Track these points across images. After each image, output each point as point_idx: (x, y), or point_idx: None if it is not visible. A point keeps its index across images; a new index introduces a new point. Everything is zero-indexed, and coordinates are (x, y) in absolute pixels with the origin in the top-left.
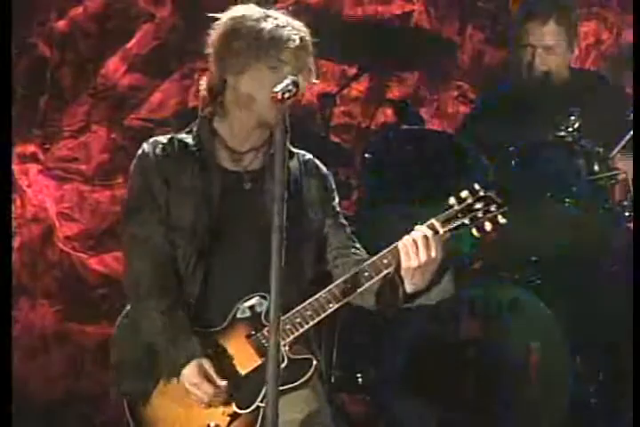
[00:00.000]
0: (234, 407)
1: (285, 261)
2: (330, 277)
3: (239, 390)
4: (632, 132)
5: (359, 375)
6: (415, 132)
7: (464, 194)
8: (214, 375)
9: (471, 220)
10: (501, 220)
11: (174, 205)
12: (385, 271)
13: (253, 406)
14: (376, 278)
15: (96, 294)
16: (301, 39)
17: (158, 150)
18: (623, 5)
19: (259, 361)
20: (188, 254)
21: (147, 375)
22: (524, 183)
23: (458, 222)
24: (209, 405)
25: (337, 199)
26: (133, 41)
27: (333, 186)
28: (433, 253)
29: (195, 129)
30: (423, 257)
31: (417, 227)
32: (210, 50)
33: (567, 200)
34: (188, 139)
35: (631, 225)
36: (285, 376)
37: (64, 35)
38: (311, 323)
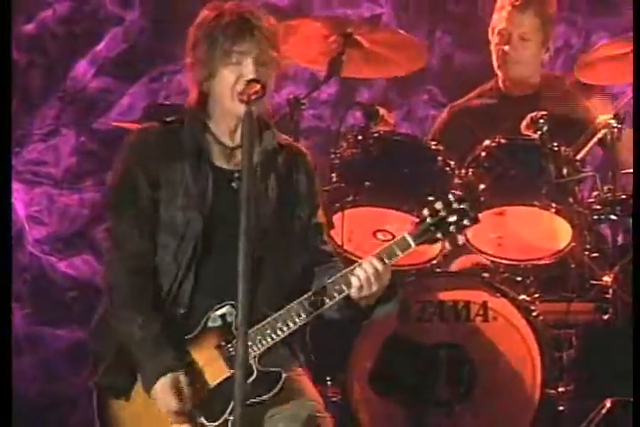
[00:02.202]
0: (203, 420)
1: (273, 262)
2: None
3: (208, 402)
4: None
5: (328, 378)
6: (384, 135)
7: (438, 206)
8: (185, 391)
9: (444, 234)
10: (467, 225)
11: (164, 204)
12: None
13: (221, 420)
14: (345, 293)
15: (66, 297)
16: (259, 28)
17: (148, 143)
18: (592, 9)
19: (228, 373)
20: (178, 256)
21: (127, 372)
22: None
23: (431, 236)
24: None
25: (318, 197)
26: (102, 44)
27: (317, 183)
28: (384, 283)
29: (186, 123)
30: (375, 287)
31: (369, 258)
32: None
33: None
34: (181, 133)
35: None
36: (254, 390)
37: (33, 38)
38: (281, 335)
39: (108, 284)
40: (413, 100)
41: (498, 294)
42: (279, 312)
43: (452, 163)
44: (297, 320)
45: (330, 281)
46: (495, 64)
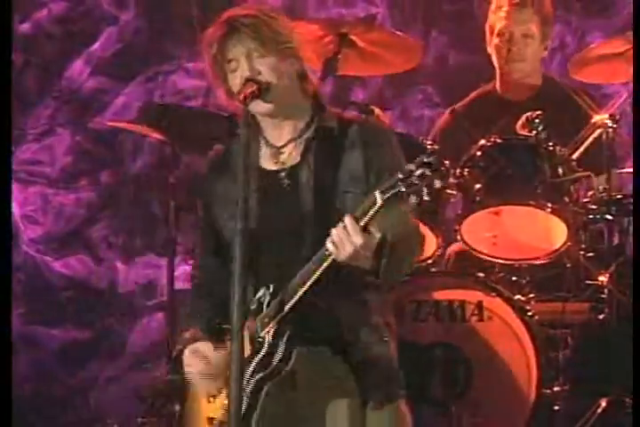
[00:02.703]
0: (225, 399)
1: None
2: None
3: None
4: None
5: None
6: None
7: (408, 166)
8: (209, 356)
9: (408, 186)
10: (437, 184)
11: (219, 221)
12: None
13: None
14: (318, 272)
15: (61, 297)
16: (244, 27)
17: (209, 165)
18: (587, 9)
19: (249, 352)
20: (239, 264)
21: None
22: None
23: (395, 190)
24: (207, 395)
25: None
26: (97, 44)
27: (388, 159)
28: (357, 240)
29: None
30: (349, 248)
31: (345, 218)
32: None
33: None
34: (236, 144)
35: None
36: (265, 364)
37: (28, 37)
38: (286, 307)
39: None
40: (408, 99)
41: (493, 294)
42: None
43: (447, 162)
44: (298, 290)
45: (323, 249)
46: (496, 64)
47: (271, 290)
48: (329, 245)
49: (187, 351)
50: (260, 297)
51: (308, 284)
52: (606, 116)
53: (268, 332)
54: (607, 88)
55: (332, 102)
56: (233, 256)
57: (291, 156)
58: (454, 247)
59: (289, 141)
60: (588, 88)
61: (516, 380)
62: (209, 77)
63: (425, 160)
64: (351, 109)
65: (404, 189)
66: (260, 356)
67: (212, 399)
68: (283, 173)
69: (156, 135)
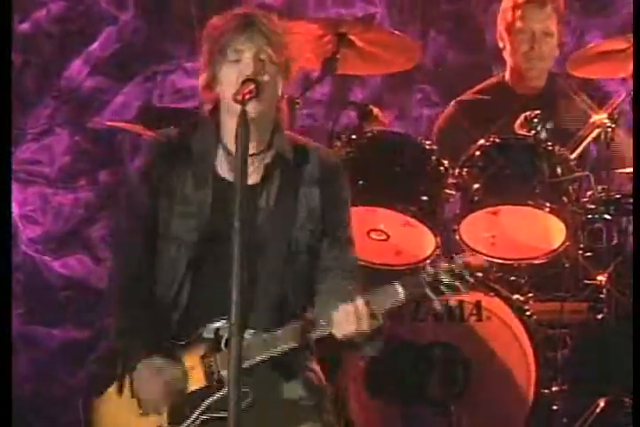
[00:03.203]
0: (164, 421)
1: (268, 275)
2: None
3: (177, 405)
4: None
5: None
6: (378, 134)
7: (444, 266)
8: (166, 376)
9: (433, 289)
10: (463, 293)
11: (162, 212)
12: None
13: (182, 426)
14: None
15: (60, 297)
16: (257, 24)
17: (157, 149)
18: (586, 8)
19: (203, 384)
20: (176, 264)
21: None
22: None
23: (420, 290)
24: (145, 409)
25: (345, 210)
26: (96, 44)
27: (340, 194)
28: (364, 327)
29: (198, 130)
30: (352, 329)
31: (357, 302)
32: None
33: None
34: (192, 138)
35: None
36: (219, 405)
37: (27, 37)
38: (258, 359)
39: (109, 286)
40: (407, 99)
41: (492, 294)
42: (268, 334)
43: (446, 162)
44: (283, 346)
45: (314, 314)
46: (511, 61)
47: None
48: (335, 318)
49: (141, 365)
50: (219, 328)
51: (287, 347)
52: (605, 115)
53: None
54: (606, 88)
55: (330, 102)
56: (173, 256)
57: (250, 174)
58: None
59: (251, 155)
60: (586, 88)
61: (515, 380)
62: (202, 60)
63: (456, 271)
64: (350, 109)
65: (429, 293)
66: (217, 396)
67: (144, 414)
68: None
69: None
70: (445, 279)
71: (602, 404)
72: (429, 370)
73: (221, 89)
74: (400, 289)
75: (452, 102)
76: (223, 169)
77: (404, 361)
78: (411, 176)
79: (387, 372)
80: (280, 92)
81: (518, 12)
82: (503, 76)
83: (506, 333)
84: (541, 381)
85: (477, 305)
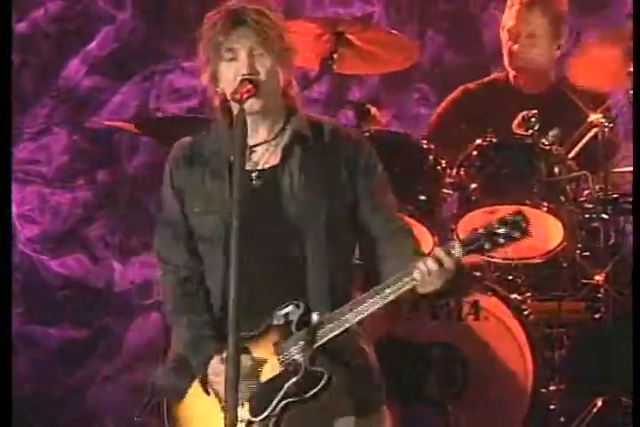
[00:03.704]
0: (247, 414)
1: (311, 261)
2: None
3: (255, 396)
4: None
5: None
6: (375, 134)
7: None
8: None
9: (492, 244)
10: (518, 237)
11: (191, 212)
12: (404, 289)
13: (263, 415)
14: (392, 297)
15: (58, 296)
16: (250, 20)
17: (176, 156)
18: (583, 8)
19: (278, 370)
20: (217, 262)
21: (182, 374)
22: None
23: (478, 246)
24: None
25: (377, 177)
26: (94, 43)
27: (368, 162)
28: (447, 277)
29: (211, 129)
30: (438, 284)
31: (435, 251)
32: None
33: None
34: (207, 141)
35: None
36: (297, 388)
37: (25, 37)
38: (329, 336)
39: (163, 294)
40: (404, 99)
41: (489, 294)
42: (332, 313)
43: (443, 162)
44: (344, 323)
45: (379, 287)
46: (506, 61)
47: (301, 309)
48: (416, 274)
49: (214, 362)
50: (288, 313)
51: (368, 313)
52: (602, 115)
53: (305, 356)
54: (603, 87)
55: (328, 101)
56: (211, 254)
57: (264, 157)
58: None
59: (263, 142)
60: (584, 87)
61: (513, 379)
62: (201, 60)
63: (511, 219)
64: (348, 108)
65: (487, 247)
66: (293, 380)
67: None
68: (254, 174)
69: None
70: (500, 229)
71: (599, 403)
72: (427, 370)
73: (223, 86)
74: (457, 247)
75: (459, 90)
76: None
77: (402, 361)
78: (408, 176)
79: (385, 372)
80: (282, 81)
81: (512, 12)
82: (507, 75)
83: (504, 332)
84: (539, 380)
85: (475, 305)
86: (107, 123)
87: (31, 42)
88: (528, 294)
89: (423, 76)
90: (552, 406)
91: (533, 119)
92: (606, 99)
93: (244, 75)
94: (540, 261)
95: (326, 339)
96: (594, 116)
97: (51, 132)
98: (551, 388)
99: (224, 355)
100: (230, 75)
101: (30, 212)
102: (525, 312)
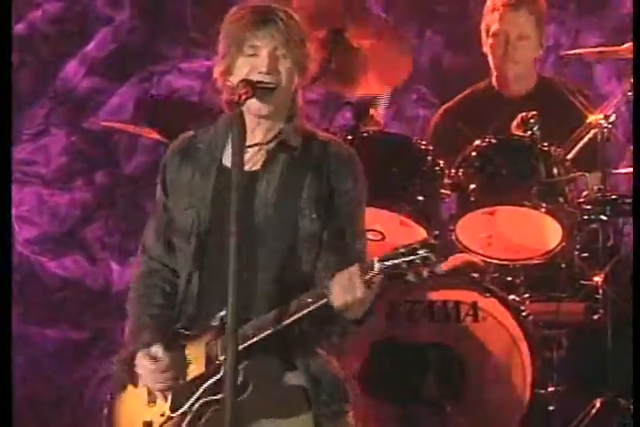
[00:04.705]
0: (166, 409)
1: (267, 264)
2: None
3: (178, 393)
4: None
5: None
6: (374, 135)
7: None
8: (164, 363)
9: (408, 263)
10: (437, 270)
11: (174, 207)
12: (319, 303)
13: (179, 412)
14: (310, 308)
15: (55, 297)
16: (275, 19)
17: (171, 149)
18: (582, 8)
19: (203, 369)
20: (187, 257)
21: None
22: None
23: (395, 262)
24: (149, 399)
25: (352, 204)
26: (92, 44)
27: (352, 185)
28: (358, 294)
29: (214, 125)
30: (349, 298)
31: (350, 268)
32: None
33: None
34: (205, 136)
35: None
36: (215, 388)
37: (23, 38)
38: (255, 338)
39: (130, 282)
40: (403, 99)
41: (488, 294)
42: (253, 320)
43: (442, 162)
44: (264, 330)
45: (302, 296)
46: (492, 64)
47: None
48: (331, 288)
49: (139, 354)
50: (223, 317)
51: (290, 320)
52: (601, 116)
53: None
54: (602, 88)
55: (326, 102)
56: (183, 249)
57: (252, 159)
58: (465, 258)
59: (256, 144)
60: (583, 88)
61: (511, 380)
62: (218, 52)
63: (431, 242)
64: (346, 109)
65: (405, 266)
66: (214, 379)
67: (152, 404)
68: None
69: (151, 135)
70: (420, 252)
71: (598, 404)
72: (426, 371)
73: (234, 80)
74: (376, 263)
75: (440, 110)
76: (228, 159)
77: (400, 362)
78: (407, 176)
79: (383, 372)
80: (294, 87)
81: (495, 15)
82: (490, 81)
83: (502, 333)
84: (537, 381)
85: (474, 306)
86: (105, 124)
87: (29, 43)
88: (526, 295)
89: (421, 77)
90: (550, 407)
91: (532, 120)
92: (605, 99)
93: (260, 71)
94: (538, 262)
95: (248, 343)
96: (592, 117)
97: (49, 133)
98: (550, 389)
99: (154, 349)
100: (246, 70)
101: (28, 213)
102: (524, 313)
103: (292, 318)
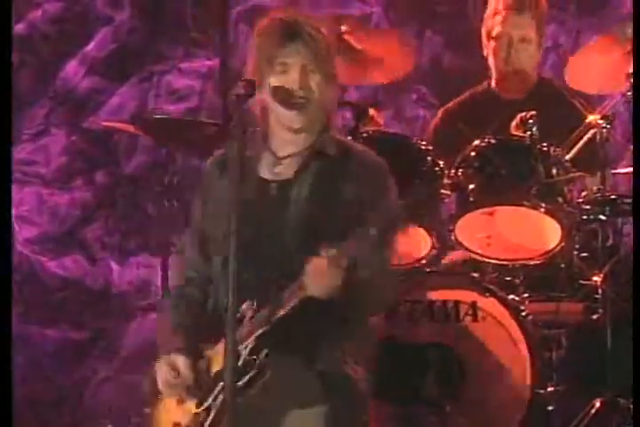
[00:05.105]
0: (193, 406)
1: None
2: None
3: (202, 389)
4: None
5: None
6: (374, 135)
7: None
8: (182, 372)
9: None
10: None
11: (211, 218)
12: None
13: (204, 406)
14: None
15: (56, 297)
16: (304, 34)
17: (210, 161)
18: (581, 8)
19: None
20: (217, 265)
21: None
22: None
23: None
24: (178, 400)
25: (380, 209)
26: (92, 44)
27: (378, 195)
28: (332, 281)
29: (248, 135)
30: (324, 282)
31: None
32: None
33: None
34: (231, 147)
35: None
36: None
37: (23, 38)
38: (266, 325)
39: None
40: (403, 100)
41: (487, 294)
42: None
43: (442, 163)
44: (279, 312)
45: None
46: (493, 66)
47: (255, 305)
48: (304, 276)
49: (161, 360)
50: (244, 310)
51: (287, 308)
52: (600, 116)
53: (246, 347)
54: (601, 88)
55: None
56: (213, 258)
57: (287, 169)
58: (462, 255)
59: (291, 155)
60: (581, 89)
61: (510, 380)
62: (249, 69)
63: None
64: (346, 109)
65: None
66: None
67: (181, 404)
68: (274, 184)
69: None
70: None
71: (597, 404)
72: (425, 370)
73: (264, 96)
74: (373, 231)
75: (439, 112)
76: (264, 169)
77: (399, 362)
78: (406, 176)
79: (382, 372)
80: (328, 99)
81: (498, 18)
82: (489, 83)
83: (501, 333)
84: (537, 381)
85: (473, 305)
86: (105, 124)
87: (29, 43)
88: (526, 295)
89: (421, 77)
90: (550, 407)
91: (531, 121)
92: (604, 100)
93: (293, 89)
94: (537, 262)
95: (260, 331)
96: (591, 117)
97: (49, 133)
98: (549, 389)
99: (173, 356)
100: (278, 85)
101: (28, 213)
102: (523, 313)
103: (284, 311)
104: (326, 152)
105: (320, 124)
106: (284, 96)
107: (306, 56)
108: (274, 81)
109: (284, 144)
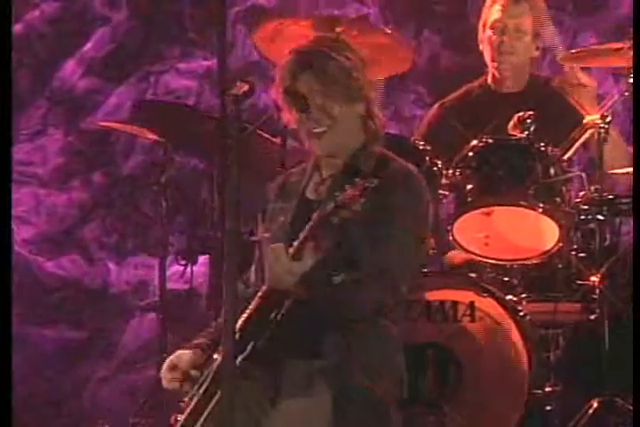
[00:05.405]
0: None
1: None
2: None
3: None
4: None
5: None
6: None
7: None
8: (184, 370)
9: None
10: None
11: (261, 235)
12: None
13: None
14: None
15: (54, 298)
16: (316, 66)
17: (268, 188)
18: (579, 8)
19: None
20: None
21: None
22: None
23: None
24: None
25: (402, 223)
26: (90, 44)
27: (414, 210)
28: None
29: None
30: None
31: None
32: None
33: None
34: (297, 170)
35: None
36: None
37: (20, 38)
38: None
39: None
40: (400, 99)
41: (485, 294)
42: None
43: (440, 163)
44: None
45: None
46: (488, 58)
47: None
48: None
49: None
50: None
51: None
52: (598, 116)
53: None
54: (599, 88)
55: None
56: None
57: (327, 189)
58: (463, 256)
59: (331, 175)
60: (579, 88)
61: (508, 380)
62: (278, 105)
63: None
64: None
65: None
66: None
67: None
68: (315, 204)
69: (148, 135)
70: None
71: (595, 404)
72: (423, 371)
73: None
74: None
75: (435, 105)
76: (310, 190)
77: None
78: None
79: None
80: (359, 115)
81: (495, 8)
82: (485, 79)
83: (499, 333)
84: (535, 381)
85: (471, 306)
86: (102, 124)
87: (27, 43)
88: (523, 295)
89: (419, 77)
90: (548, 408)
91: (529, 120)
92: (602, 99)
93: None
94: (535, 262)
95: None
96: (589, 118)
97: (46, 133)
98: (547, 389)
99: (180, 351)
100: (302, 127)
101: (26, 213)
102: (521, 313)
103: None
104: (361, 168)
105: (354, 140)
106: (302, 127)
107: (316, 86)
108: (298, 119)
109: (327, 165)
